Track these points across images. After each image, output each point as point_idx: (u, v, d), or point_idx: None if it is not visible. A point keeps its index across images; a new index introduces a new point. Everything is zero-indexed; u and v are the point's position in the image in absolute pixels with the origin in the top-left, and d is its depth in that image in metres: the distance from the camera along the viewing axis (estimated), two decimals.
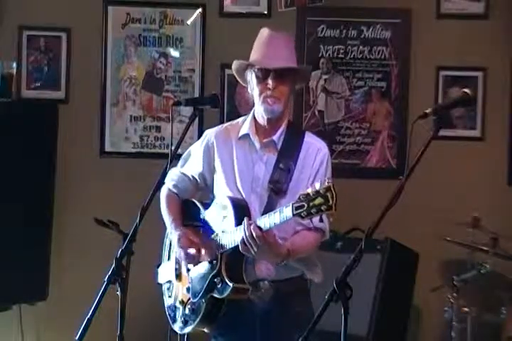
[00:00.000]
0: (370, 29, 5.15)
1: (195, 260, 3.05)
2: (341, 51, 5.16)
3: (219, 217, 3.04)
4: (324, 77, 5.15)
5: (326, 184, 2.57)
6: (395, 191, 2.39)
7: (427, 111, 2.47)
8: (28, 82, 5.18)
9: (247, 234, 2.77)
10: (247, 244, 2.78)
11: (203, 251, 3.03)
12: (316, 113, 5.18)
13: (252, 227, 2.77)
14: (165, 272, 3.28)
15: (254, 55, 3.08)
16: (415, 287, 4.73)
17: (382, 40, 5.15)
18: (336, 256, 3.31)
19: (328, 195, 2.54)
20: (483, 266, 4.51)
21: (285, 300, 3.02)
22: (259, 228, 2.77)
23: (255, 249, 2.78)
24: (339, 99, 5.18)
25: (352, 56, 5.17)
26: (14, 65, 5.07)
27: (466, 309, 4.60)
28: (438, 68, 5.13)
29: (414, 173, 2.40)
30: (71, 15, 5.15)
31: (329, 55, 5.17)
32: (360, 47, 5.16)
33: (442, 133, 2.47)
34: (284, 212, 2.70)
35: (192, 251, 3.03)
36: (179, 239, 3.05)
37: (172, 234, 3.14)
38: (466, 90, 2.54)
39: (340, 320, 2.32)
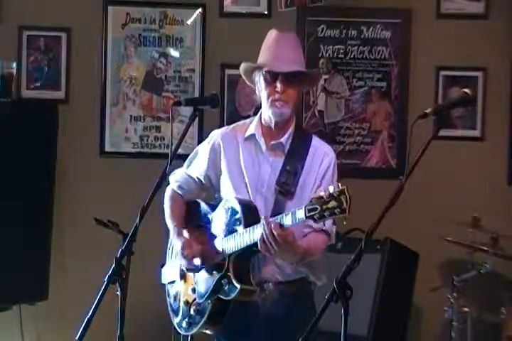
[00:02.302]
0: (370, 29, 5.15)
1: (198, 269, 3.05)
2: (341, 51, 5.16)
3: (227, 219, 3.02)
4: (324, 77, 5.15)
5: (340, 187, 2.58)
6: (395, 191, 2.39)
7: (427, 111, 2.47)
8: (28, 82, 5.18)
9: (267, 232, 2.75)
10: (267, 242, 2.76)
11: (208, 255, 3.03)
12: (316, 113, 5.18)
13: (272, 225, 2.75)
14: (169, 272, 3.28)
15: (263, 57, 3.06)
16: (415, 287, 4.73)
17: (382, 40, 5.15)
18: (336, 256, 3.29)
19: (342, 198, 2.55)
20: (483, 266, 4.51)
21: (289, 302, 3.02)
22: (281, 225, 2.76)
23: (276, 248, 2.77)
24: (339, 99, 5.18)
25: (352, 56, 5.16)
26: (14, 65, 5.06)
27: (466, 309, 4.60)
28: (438, 68, 5.13)
29: (414, 173, 2.40)
30: (71, 15, 5.15)
31: (329, 55, 5.17)
32: (360, 47, 5.16)
33: (442, 133, 2.48)
34: (297, 214, 2.70)
35: (196, 261, 3.03)
36: (182, 248, 3.04)
37: (174, 241, 3.13)
38: (466, 90, 2.54)
39: (340, 320, 2.32)
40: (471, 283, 4.61)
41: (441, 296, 4.68)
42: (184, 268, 3.13)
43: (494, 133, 5.14)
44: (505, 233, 4.57)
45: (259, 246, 2.80)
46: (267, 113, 3.05)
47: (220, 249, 3.01)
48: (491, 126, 5.14)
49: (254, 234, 2.84)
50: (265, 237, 2.76)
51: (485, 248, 4.53)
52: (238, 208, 2.96)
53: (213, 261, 3.02)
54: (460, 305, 4.59)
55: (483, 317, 4.70)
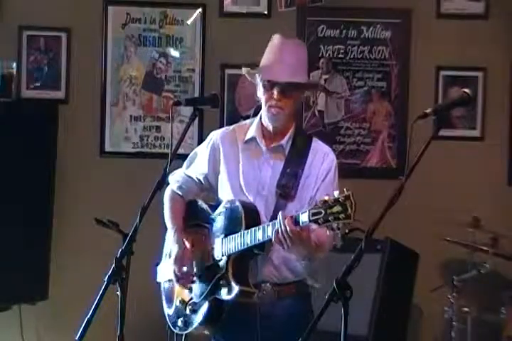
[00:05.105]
0: (370, 29, 5.15)
1: (186, 283, 3.08)
2: (341, 51, 5.16)
3: (228, 220, 3.02)
4: (324, 77, 5.15)
5: (346, 192, 2.56)
6: (394, 191, 2.38)
7: (427, 111, 2.47)
8: (28, 82, 5.17)
9: (282, 228, 2.73)
10: (282, 238, 2.74)
11: (205, 255, 3.04)
12: (316, 113, 5.17)
13: (286, 222, 2.73)
14: (165, 271, 3.27)
15: (264, 63, 3.06)
16: (415, 287, 4.73)
17: (382, 40, 5.15)
18: (336, 256, 3.29)
19: (347, 203, 2.54)
20: (483, 266, 4.51)
21: (286, 303, 3.02)
22: (296, 223, 2.73)
23: (289, 244, 2.75)
24: (339, 99, 5.18)
25: (352, 56, 5.16)
26: (14, 64, 5.06)
27: (466, 309, 4.60)
28: (438, 68, 5.14)
29: (414, 173, 2.40)
30: (71, 15, 5.15)
31: (329, 55, 5.17)
32: (360, 47, 5.16)
33: (442, 133, 2.47)
34: (301, 218, 2.69)
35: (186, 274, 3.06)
36: (175, 260, 3.07)
37: (172, 245, 3.13)
38: (466, 90, 2.54)
39: (340, 320, 2.32)
40: (471, 283, 4.61)
41: (441, 296, 4.68)
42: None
43: (494, 133, 5.14)
44: (505, 233, 4.57)
45: (273, 239, 2.78)
46: (265, 117, 3.06)
47: (219, 249, 3.00)
48: (491, 126, 5.14)
49: (256, 236, 2.84)
50: (280, 232, 2.74)
51: (485, 248, 4.53)
52: (240, 209, 2.95)
53: (211, 262, 3.02)
54: (460, 305, 4.59)
55: (483, 317, 4.69)
